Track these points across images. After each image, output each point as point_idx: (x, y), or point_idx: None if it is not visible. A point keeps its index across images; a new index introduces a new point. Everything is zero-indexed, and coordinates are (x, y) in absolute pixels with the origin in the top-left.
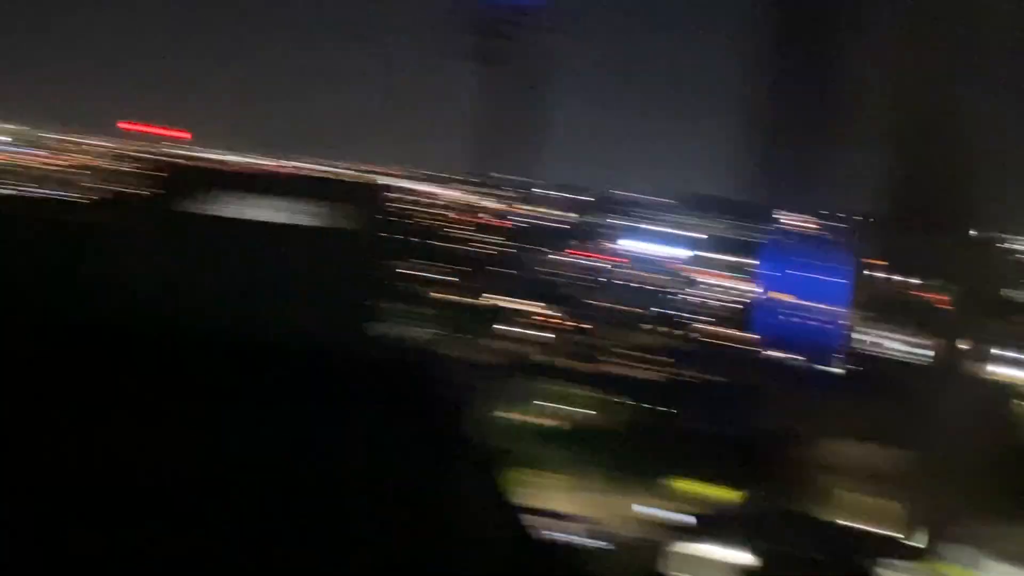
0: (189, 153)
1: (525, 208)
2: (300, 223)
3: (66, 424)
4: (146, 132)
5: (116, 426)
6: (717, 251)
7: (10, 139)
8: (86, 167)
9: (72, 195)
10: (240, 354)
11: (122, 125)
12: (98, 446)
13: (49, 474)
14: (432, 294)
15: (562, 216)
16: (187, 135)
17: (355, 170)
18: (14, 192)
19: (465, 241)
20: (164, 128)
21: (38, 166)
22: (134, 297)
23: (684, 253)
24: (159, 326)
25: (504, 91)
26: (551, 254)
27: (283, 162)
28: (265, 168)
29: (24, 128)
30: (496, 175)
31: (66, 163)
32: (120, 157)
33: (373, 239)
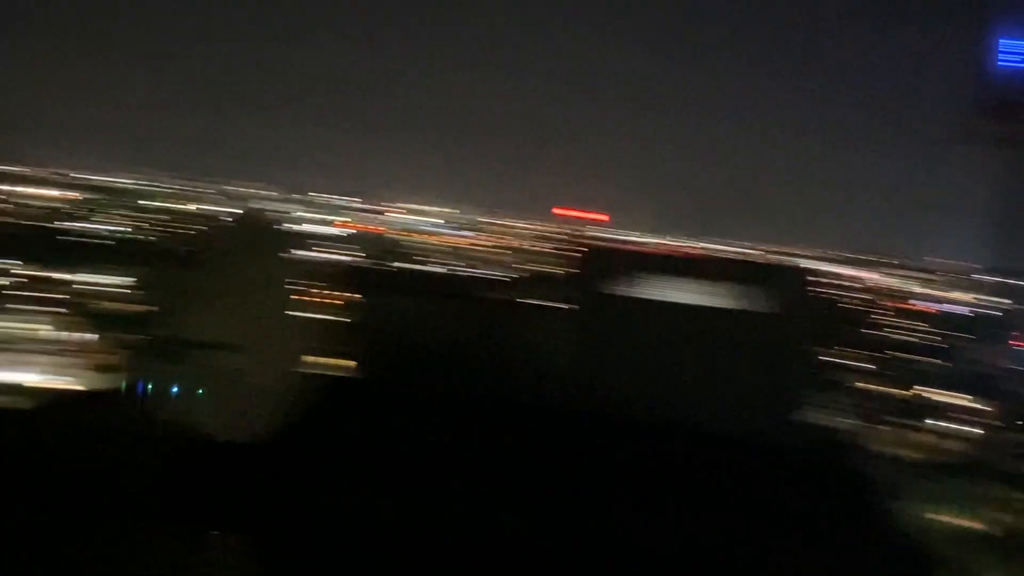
0: (608, 235)
1: (960, 294)
2: (723, 306)
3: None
4: (575, 217)
5: (552, 499)
6: None
7: (443, 221)
8: (509, 248)
9: (497, 274)
10: (664, 437)
11: (556, 211)
12: (534, 518)
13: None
14: (856, 383)
15: (1003, 303)
16: (606, 218)
17: (766, 251)
18: (445, 270)
19: (892, 328)
20: (587, 212)
21: (467, 246)
22: (554, 375)
23: None
24: (579, 404)
25: (947, 173)
26: (988, 343)
27: (697, 243)
28: (681, 249)
29: (454, 211)
30: (929, 259)
31: (491, 244)
32: (541, 238)
33: (796, 324)
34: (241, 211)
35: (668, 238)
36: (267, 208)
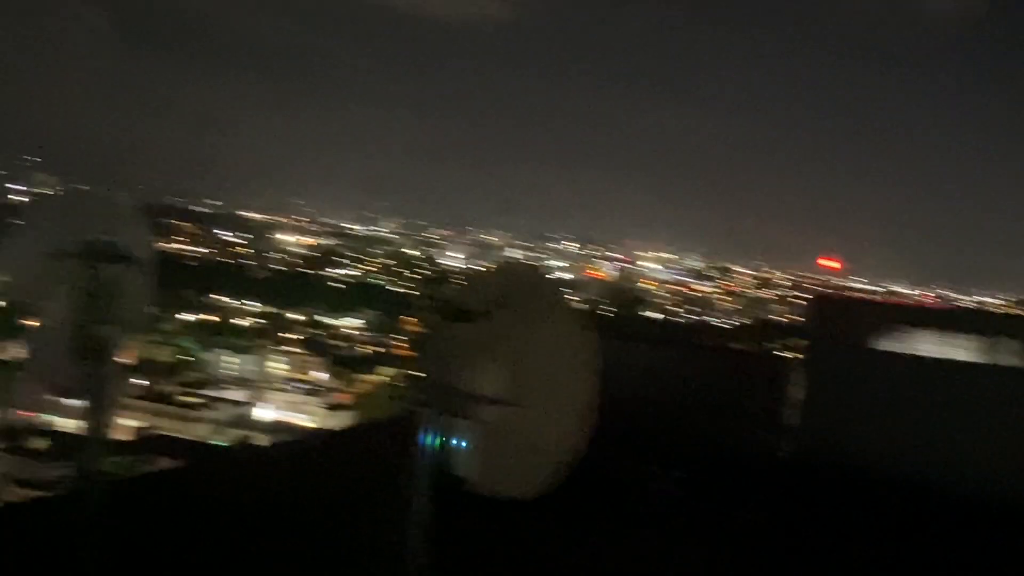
0: (839, 283)
1: None
2: (990, 362)
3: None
4: (824, 267)
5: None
6: None
7: (661, 267)
8: (731, 293)
9: (721, 321)
10: (925, 503)
11: (820, 262)
12: None
13: None
14: None
15: None
16: (838, 265)
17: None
18: (666, 317)
19: None
20: (822, 259)
21: (688, 292)
22: (785, 427)
23: None
24: (815, 460)
25: None
26: None
27: (930, 292)
28: (920, 300)
29: (675, 256)
30: None
31: (713, 290)
32: (764, 285)
33: None
34: (501, 260)
35: (904, 287)
36: (504, 253)
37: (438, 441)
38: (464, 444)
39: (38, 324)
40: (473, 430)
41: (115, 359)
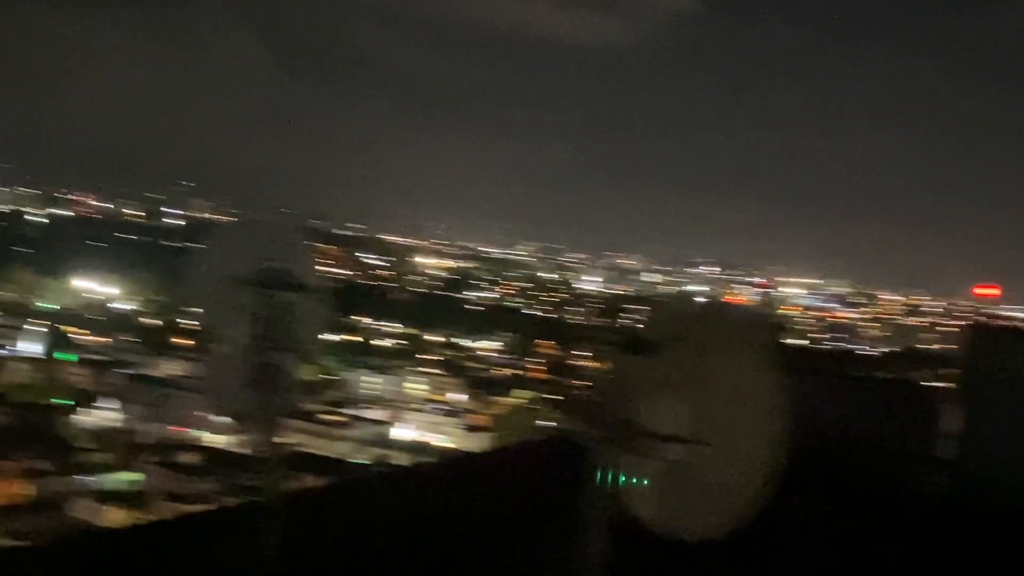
0: (992, 311)
1: None
2: None
3: None
4: (981, 296)
5: None
6: None
7: (804, 292)
8: (878, 320)
9: (866, 348)
10: None
11: (976, 291)
12: None
13: None
14: None
15: None
16: (997, 291)
17: None
18: (809, 343)
19: None
20: (981, 286)
21: (833, 319)
22: (941, 463)
23: None
24: (974, 497)
25: None
26: None
27: None
28: None
29: (819, 282)
30: None
31: (859, 316)
32: (914, 312)
33: None
34: (638, 284)
35: None
36: (641, 278)
37: (614, 477)
38: (642, 482)
39: (215, 347)
40: (652, 468)
41: (286, 384)
